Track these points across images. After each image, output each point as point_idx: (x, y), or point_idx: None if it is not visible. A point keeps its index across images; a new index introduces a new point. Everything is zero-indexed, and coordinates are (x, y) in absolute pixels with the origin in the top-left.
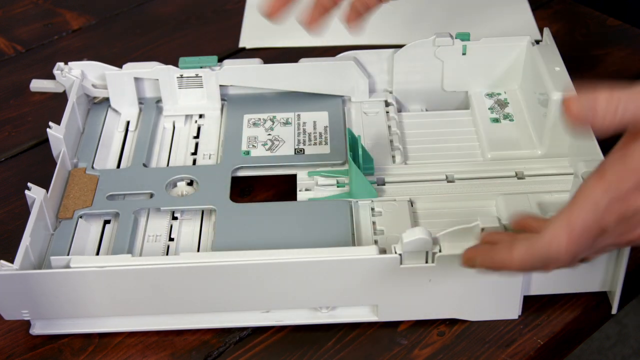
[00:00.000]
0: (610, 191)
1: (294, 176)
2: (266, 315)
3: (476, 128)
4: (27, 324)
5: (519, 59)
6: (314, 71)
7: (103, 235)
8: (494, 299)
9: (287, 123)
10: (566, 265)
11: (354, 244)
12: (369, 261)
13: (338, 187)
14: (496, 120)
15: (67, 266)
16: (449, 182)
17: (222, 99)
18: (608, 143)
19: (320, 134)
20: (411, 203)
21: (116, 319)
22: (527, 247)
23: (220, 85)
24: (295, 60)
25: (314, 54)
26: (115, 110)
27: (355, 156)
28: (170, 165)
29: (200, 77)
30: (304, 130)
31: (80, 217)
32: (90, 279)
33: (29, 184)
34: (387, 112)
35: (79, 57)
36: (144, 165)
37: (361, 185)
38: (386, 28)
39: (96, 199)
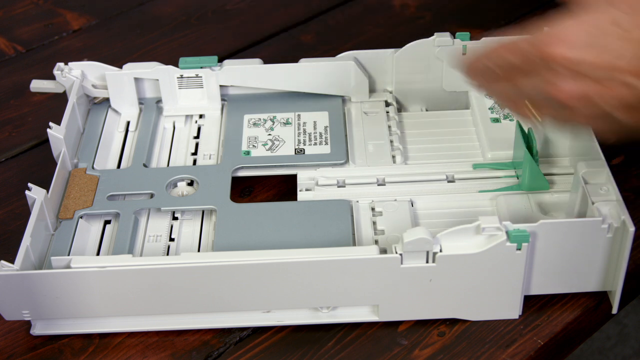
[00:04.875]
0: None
1: (295, 176)
2: (267, 316)
3: (476, 128)
4: (27, 324)
5: None
6: (314, 71)
7: (103, 235)
8: (494, 298)
9: (287, 123)
10: None
11: (354, 244)
12: (370, 261)
13: (338, 187)
14: (496, 120)
15: (68, 266)
16: (449, 182)
17: (222, 99)
18: (607, 143)
19: (320, 134)
20: (411, 203)
21: (116, 319)
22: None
23: (221, 86)
24: (296, 60)
25: (315, 54)
26: (115, 111)
27: (530, 148)
28: (170, 165)
29: (201, 77)
30: (304, 130)
31: (81, 217)
32: (90, 280)
33: (30, 184)
34: (387, 112)
35: (79, 58)
36: (144, 165)
37: (536, 177)
38: None
39: (96, 199)
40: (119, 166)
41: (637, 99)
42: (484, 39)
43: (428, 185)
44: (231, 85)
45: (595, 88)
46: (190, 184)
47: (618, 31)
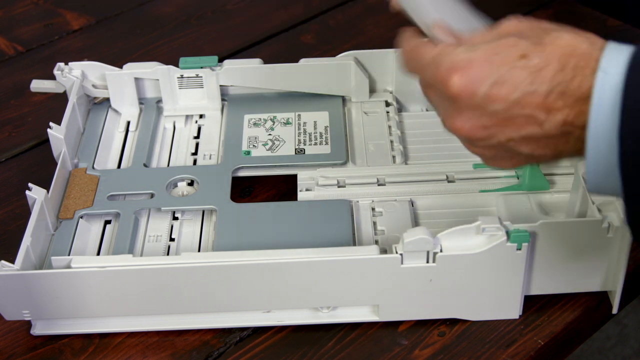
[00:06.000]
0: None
1: (295, 176)
2: (267, 316)
3: None
4: (27, 324)
5: None
6: (314, 71)
7: (104, 235)
8: (494, 298)
9: (287, 123)
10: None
11: (354, 244)
12: (370, 261)
13: (338, 187)
14: None
15: (68, 266)
16: (449, 182)
17: (223, 99)
18: None
19: (320, 133)
20: (412, 203)
21: (117, 319)
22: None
23: (221, 86)
24: (296, 60)
25: (315, 54)
26: (115, 111)
27: None
28: (170, 165)
29: (201, 77)
30: (305, 130)
31: (81, 217)
32: (91, 279)
33: (30, 184)
34: (387, 112)
35: (79, 58)
36: (145, 165)
37: (536, 177)
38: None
39: (97, 199)
40: (119, 166)
41: (543, 133)
42: None
43: (428, 185)
44: (231, 85)
45: (496, 122)
46: (191, 184)
47: (528, 65)
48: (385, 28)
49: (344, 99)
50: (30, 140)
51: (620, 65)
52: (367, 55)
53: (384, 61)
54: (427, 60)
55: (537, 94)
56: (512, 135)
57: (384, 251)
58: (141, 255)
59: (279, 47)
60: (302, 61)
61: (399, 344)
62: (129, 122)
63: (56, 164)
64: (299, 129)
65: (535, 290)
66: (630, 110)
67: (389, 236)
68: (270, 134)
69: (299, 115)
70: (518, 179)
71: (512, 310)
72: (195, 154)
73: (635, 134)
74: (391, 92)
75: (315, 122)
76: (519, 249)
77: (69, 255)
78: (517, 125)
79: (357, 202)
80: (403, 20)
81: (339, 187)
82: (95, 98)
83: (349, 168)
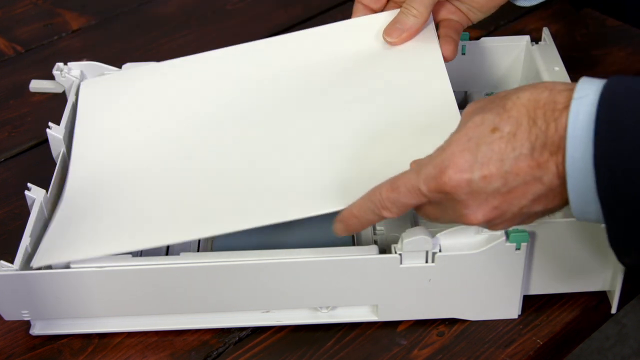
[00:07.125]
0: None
1: None
2: (266, 316)
3: None
4: (27, 324)
5: (518, 59)
6: None
7: None
8: (493, 298)
9: None
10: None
11: (354, 244)
12: (369, 261)
13: None
14: None
15: (67, 267)
16: None
17: None
18: None
19: None
20: None
21: (116, 319)
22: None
23: None
24: None
25: None
26: None
27: None
28: None
29: None
30: None
31: None
32: (90, 280)
33: (29, 185)
34: None
35: (78, 58)
36: None
37: None
38: None
39: None
40: None
41: (547, 187)
42: (483, 39)
43: None
44: None
45: (502, 198)
46: None
47: (503, 136)
48: None
49: None
50: (30, 140)
51: (593, 94)
52: None
53: None
54: (412, 183)
55: (523, 155)
56: (522, 203)
57: (383, 251)
58: (140, 256)
59: None
60: None
61: (398, 344)
62: None
63: (55, 164)
64: None
65: (534, 290)
66: (602, 135)
67: (388, 236)
68: None
69: None
70: None
71: (511, 310)
72: None
73: (609, 159)
74: None
75: None
76: (518, 248)
77: None
78: (522, 192)
79: None
80: None
81: None
82: None
83: None
